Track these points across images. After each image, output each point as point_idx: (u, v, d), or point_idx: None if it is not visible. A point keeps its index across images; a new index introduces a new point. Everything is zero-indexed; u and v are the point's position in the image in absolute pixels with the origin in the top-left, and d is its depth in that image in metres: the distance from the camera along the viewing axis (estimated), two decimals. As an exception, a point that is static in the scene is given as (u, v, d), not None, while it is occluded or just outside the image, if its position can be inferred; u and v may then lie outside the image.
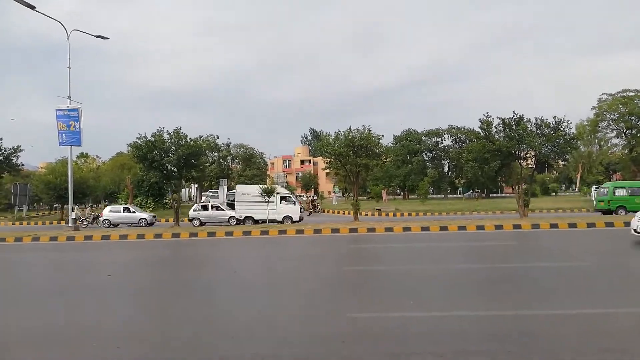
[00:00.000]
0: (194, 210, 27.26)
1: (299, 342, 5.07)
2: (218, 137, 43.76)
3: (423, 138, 67.97)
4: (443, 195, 70.52)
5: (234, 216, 26.33)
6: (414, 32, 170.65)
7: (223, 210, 27.23)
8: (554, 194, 71.91)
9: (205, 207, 27.34)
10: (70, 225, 23.97)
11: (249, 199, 25.42)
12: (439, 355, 4.46)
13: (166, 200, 44.35)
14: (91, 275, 10.69)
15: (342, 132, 24.02)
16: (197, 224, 26.07)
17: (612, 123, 46.69)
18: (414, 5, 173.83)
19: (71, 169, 25.45)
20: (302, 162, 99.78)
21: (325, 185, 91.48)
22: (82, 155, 79.03)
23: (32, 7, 20.50)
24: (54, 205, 50.00)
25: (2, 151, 23.88)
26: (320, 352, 4.69)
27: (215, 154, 45.76)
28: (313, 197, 53.81)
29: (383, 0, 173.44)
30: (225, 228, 22.04)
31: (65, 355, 4.91)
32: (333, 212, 43.46)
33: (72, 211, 24.45)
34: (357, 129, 23.77)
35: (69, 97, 24.03)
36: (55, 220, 40.04)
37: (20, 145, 24.96)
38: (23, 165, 28.00)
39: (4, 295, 8.63)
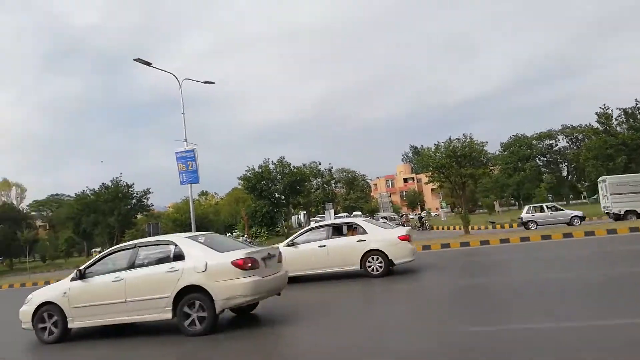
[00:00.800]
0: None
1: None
2: (320, 163, 45.12)
3: (534, 142, 63.38)
4: (565, 202, 64.56)
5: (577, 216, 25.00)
6: (508, 33, 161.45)
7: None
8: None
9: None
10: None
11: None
12: None
13: (278, 229, 46.55)
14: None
15: (442, 143, 23.44)
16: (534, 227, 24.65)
17: None
18: (504, 6, 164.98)
19: (192, 204, 27.82)
20: (405, 180, 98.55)
21: (432, 202, 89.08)
22: (203, 194, 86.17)
23: (149, 64, 23.24)
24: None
25: (135, 194, 27.27)
26: None
27: (319, 179, 47.11)
28: (420, 214, 52.73)
29: (470, 6, 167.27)
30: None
31: None
32: (442, 228, 41.99)
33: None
34: (458, 138, 23.06)
35: (185, 140, 26.59)
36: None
37: (150, 188, 28.61)
38: (153, 206, 31.67)
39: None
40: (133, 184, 27.54)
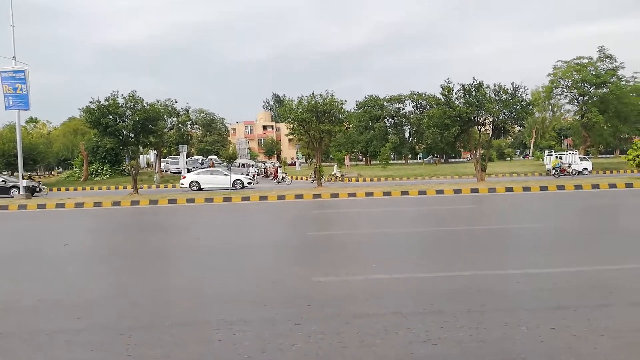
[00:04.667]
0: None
1: (267, 305, 5.10)
2: (177, 102, 42.31)
3: (385, 104, 68.18)
4: (404, 161, 71.64)
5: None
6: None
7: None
8: (509, 158, 74.51)
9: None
10: (21, 193, 22.93)
11: None
12: (401, 315, 4.60)
13: (123, 167, 43.00)
14: (48, 244, 10.32)
15: (305, 98, 23.72)
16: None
17: (565, 90, 48.16)
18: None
19: (19, 134, 24.16)
20: (265, 127, 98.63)
21: (288, 151, 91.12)
22: (32, 120, 75.16)
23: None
24: (3, 172, 47.59)
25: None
26: (288, 314, 4.75)
27: (174, 119, 44.30)
28: (276, 164, 53.55)
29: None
30: (188, 195, 21.68)
31: (25, 324, 4.75)
32: (296, 178, 43.48)
33: (23, 179, 23.35)
34: (320, 94, 23.53)
35: (14, 58, 22.52)
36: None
37: (-38, 109, 23.23)
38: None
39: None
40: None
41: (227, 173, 28.20)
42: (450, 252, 8.03)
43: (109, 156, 41.94)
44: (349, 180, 37.37)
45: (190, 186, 26.75)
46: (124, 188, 33.01)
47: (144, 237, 11.12)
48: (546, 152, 47.42)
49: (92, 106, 22.03)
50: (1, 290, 6.32)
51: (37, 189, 27.15)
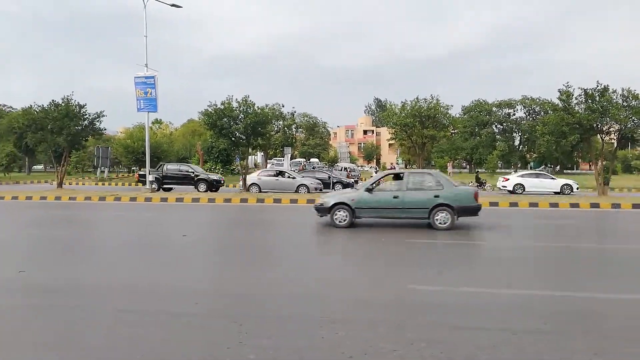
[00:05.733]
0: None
1: (368, 308, 5.17)
2: (283, 106, 44.33)
3: (494, 109, 64.84)
4: (513, 170, 67.40)
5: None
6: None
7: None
8: (637, 172, 66.53)
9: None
10: (147, 187, 25.55)
11: None
12: (511, 332, 4.39)
13: (234, 167, 46.04)
14: (170, 234, 11.42)
15: (409, 102, 23.44)
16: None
17: None
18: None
19: (148, 134, 26.94)
20: (365, 132, 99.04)
21: (388, 156, 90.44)
22: (157, 122, 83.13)
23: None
24: (132, 168, 53.41)
25: (87, 116, 25.70)
26: (389, 318, 4.77)
27: (281, 122, 46.48)
28: (375, 168, 53.44)
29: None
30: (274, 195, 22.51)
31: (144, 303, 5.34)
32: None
33: (149, 174, 26.00)
34: (425, 99, 23.11)
35: (146, 65, 25.20)
36: (133, 182, 42.91)
37: (103, 111, 26.70)
38: (105, 129, 30.18)
39: (89, 248, 9.45)
40: (85, 105, 25.96)
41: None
42: (565, 270, 7.44)
43: (222, 156, 45.19)
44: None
45: (248, 189, 25.28)
46: (233, 186, 35.25)
47: (246, 232, 11.82)
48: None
49: (210, 109, 23.86)
50: (132, 275, 7.15)
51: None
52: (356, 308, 5.21)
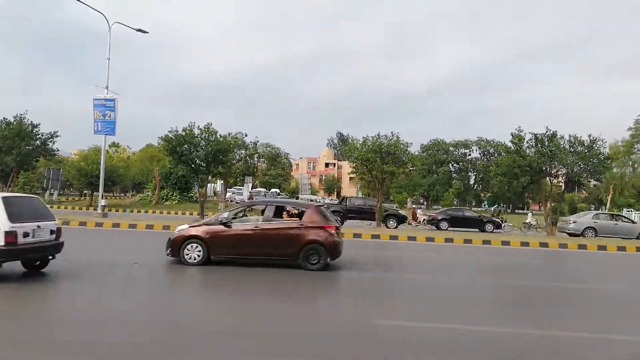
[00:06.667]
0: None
1: (325, 342, 5.09)
2: (246, 135, 44.12)
3: (451, 148, 67.27)
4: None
5: None
6: (450, 38, 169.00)
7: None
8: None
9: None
10: (99, 212, 24.60)
11: None
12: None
13: (192, 194, 45.12)
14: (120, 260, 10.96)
15: (371, 138, 23.96)
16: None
17: (648, 145, 45.21)
18: (452, 12, 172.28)
19: (104, 157, 26.14)
20: (327, 165, 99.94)
21: (349, 189, 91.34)
22: (114, 145, 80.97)
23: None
24: (84, 192, 51.42)
25: (40, 136, 24.75)
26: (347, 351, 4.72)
27: (243, 151, 46.17)
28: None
29: (417, 7, 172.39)
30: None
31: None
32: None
33: (102, 198, 25.10)
34: (386, 135, 23.70)
35: (107, 88, 24.70)
36: (84, 206, 41.19)
37: (57, 131, 25.88)
38: (59, 150, 29.00)
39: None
40: (39, 124, 25.06)
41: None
42: (517, 307, 7.65)
43: (180, 183, 44.23)
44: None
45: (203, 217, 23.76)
46: (190, 214, 34.46)
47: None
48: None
49: (170, 135, 23.53)
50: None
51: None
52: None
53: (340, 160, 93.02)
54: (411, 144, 24.22)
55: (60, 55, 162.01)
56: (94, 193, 41.01)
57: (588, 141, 22.88)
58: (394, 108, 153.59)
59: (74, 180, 48.01)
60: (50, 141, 26.13)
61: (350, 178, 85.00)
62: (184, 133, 23.55)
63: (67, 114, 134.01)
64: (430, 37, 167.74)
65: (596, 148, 22.84)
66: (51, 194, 44.48)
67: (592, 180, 46.08)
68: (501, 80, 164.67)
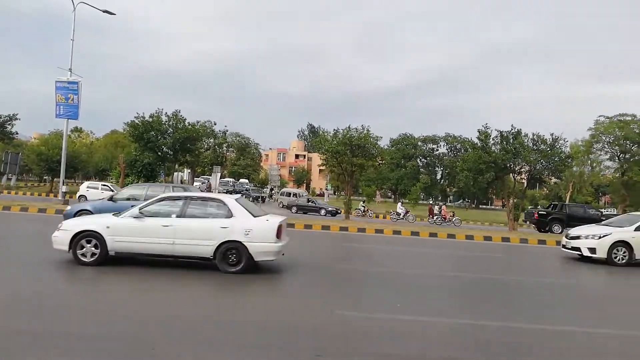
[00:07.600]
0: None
1: (290, 335, 5.08)
2: (215, 124, 43.53)
3: (419, 143, 68.33)
4: (433, 202, 70.90)
5: None
6: (424, 37, 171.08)
7: None
8: (542, 210, 72.53)
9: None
10: (60, 198, 23.78)
11: None
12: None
13: (159, 182, 44.11)
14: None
15: (341, 130, 24.04)
16: None
17: (606, 145, 46.88)
18: (427, 12, 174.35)
19: (65, 142, 25.21)
20: (297, 156, 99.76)
21: (318, 181, 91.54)
22: (77, 130, 78.40)
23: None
24: (44, 177, 49.62)
25: (-3, 118, 23.68)
26: (310, 346, 4.73)
27: (212, 140, 45.55)
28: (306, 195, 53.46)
29: (395, 5, 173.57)
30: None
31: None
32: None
33: (63, 185, 24.26)
34: (356, 129, 23.82)
35: (70, 70, 23.82)
36: (44, 192, 39.68)
37: (17, 114, 24.66)
38: (17, 134, 27.72)
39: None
40: (-4, 106, 23.85)
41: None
42: (477, 300, 7.84)
43: (145, 171, 43.00)
44: (376, 217, 37.11)
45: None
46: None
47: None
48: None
49: (136, 121, 22.95)
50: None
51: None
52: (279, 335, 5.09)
53: (311, 152, 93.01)
54: (381, 137, 24.48)
55: (21, 36, 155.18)
56: (55, 179, 39.58)
57: (550, 140, 23.64)
58: (365, 104, 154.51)
59: (34, 165, 46.15)
60: (9, 124, 25.12)
61: (320, 170, 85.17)
62: (151, 119, 23.01)
63: (28, 97, 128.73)
64: (400, 36, 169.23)
65: (558, 147, 23.63)
66: (9, 179, 42.64)
67: (553, 177, 47.72)
68: (472, 80, 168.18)
